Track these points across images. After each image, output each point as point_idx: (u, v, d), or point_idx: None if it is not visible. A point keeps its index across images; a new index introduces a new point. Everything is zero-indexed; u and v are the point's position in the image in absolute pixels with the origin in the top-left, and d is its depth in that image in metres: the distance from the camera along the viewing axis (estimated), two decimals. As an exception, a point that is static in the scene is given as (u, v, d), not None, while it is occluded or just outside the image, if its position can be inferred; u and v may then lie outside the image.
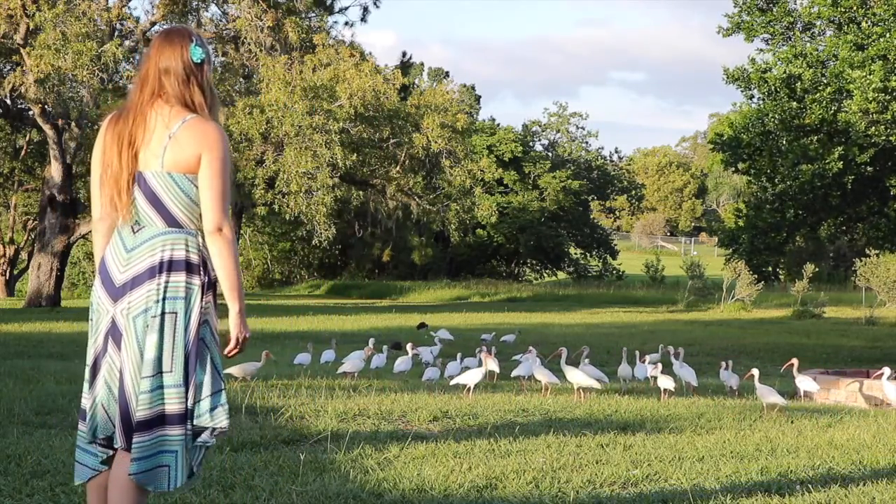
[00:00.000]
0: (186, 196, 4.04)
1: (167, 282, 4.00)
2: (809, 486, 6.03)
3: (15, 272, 44.66)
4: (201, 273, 4.05)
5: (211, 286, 4.09)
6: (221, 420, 4.05)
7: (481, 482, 5.85)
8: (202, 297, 4.04)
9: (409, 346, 13.36)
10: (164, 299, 3.99)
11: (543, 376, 11.05)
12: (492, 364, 11.66)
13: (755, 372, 10.77)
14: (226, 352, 4.11)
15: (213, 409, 4.03)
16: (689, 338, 22.18)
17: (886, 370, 11.51)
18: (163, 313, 3.98)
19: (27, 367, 11.95)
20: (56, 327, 20.28)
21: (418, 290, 44.25)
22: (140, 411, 3.94)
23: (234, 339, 4.11)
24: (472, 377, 10.60)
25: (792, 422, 9.02)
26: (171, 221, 4.04)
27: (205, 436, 4.05)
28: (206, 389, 4.03)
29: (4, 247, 43.49)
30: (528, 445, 7.06)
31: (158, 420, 3.95)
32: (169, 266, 4.01)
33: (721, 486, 6.01)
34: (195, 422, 4.00)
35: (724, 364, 12.49)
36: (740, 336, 23.49)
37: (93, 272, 46.71)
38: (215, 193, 4.01)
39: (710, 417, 8.96)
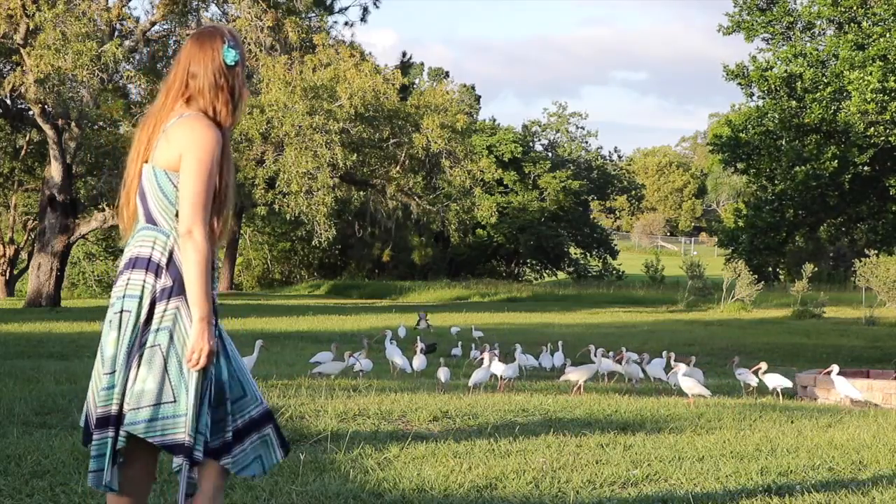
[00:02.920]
0: (162, 193, 3.94)
1: (129, 279, 3.92)
2: (809, 486, 6.03)
3: (15, 272, 44.61)
4: (163, 275, 3.90)
5: (180, 293, 3.90)
6: (166, 434, 3.84)
7: (481, 482, 5.85)
8: (156, 300, 3.88)
9: (418, 347, 13.42)
10: (123, 297, 3.92)
11: (508, 372, 11.43)
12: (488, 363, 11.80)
13: (682, 366, 11.32)
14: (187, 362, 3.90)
15: (154, 419, 3.83)
16: (689, 338, 22.18)
17: (835, 367, 12.12)
18: (121, 311, 3.91)
19: (27, 367, 11.95)
20: (56, 327, 20.27)
21: (418, 290, 44.25)
22: (98, 408, 3.89)
23: (189, 350, 3.86)
24: (477, 377, 10.84)
25: (792, 422, 9.02)
26: (149, 217, 3.98)
27: (177, 460, 3.88)
28: (150, 398, 3.83)
29: (4, 247, 43.45)
30: (528, 445, 7.05)
31: (107, 420, 3.88)
32: (134, 263, 3.93)
33: (721, 486, 6.02)
34: (126, 428, 3.84)
35: (674, 358, 12.84)
36: (740, 336, 23.48)
37: (92, 272, 46.53)
38: (187, 195, 3.87)
39: (710, 417, 8.96)
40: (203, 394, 3.90)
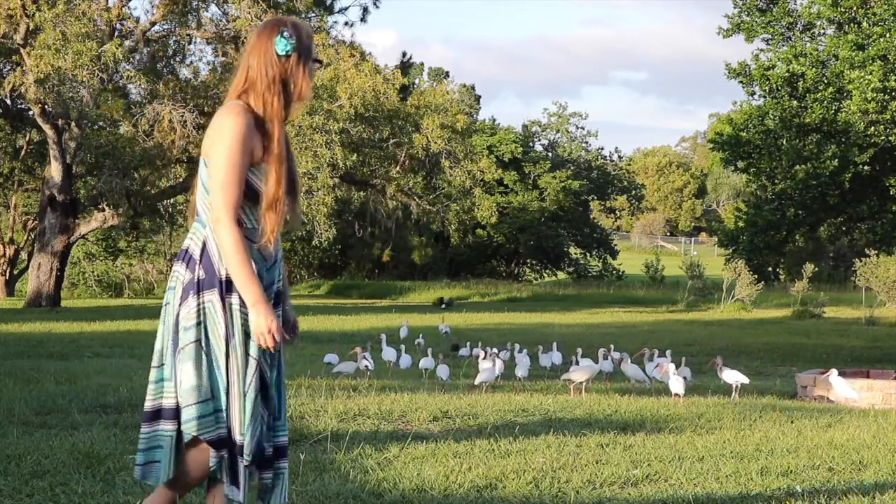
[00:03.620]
0: (201, 182, 3.92)
1: (173, 271, 3.93)
2: (809, 486, 6.02)
3: (15, 272, 44.59)
4: (196, 267, 3.84)
5: (213, 285, 3.83)
6: (208, 430, 3.80)
7: (481, 482, 5.84)
8: (188, 293, 3.82)
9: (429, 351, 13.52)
10: (169, 289, 3.92)
11: (520, 371, 11.76)
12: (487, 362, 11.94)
13: (671, 366, 11.36)
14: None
15: (200, 416, 3.79)
16: (689, 338, 22.17)
17: (833, 371, 12.21)
18: (165, 304, 3.92)
19: (27, 367, 11.94)
20: (56, 327, 20.27)
21: (418, 290, 44.26)
22: (147, 401, 3.88)
23: (254, 336, 3.81)
24: (483, 376, 11.01)
25: (792, 422, 9.02)
26: (195, 209, 3.96)
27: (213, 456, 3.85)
28: (192, 396, 3.79)
29: (4, 247, 43.43)
30: (528, 445, 7.05)
31: (157, 413, 3.86)
32: (179, 255, 3.94)
33: (721, 486, 6.01)
34: (182, 427, 3.82)
35: (644, 353, 12.87)
36: (740, 336, 23.48)
37: (92, 272, 46.50)
38: (215, 183, 3.80)
39: (710, 417, 8.96)
40: (247, 391, 3.82)
